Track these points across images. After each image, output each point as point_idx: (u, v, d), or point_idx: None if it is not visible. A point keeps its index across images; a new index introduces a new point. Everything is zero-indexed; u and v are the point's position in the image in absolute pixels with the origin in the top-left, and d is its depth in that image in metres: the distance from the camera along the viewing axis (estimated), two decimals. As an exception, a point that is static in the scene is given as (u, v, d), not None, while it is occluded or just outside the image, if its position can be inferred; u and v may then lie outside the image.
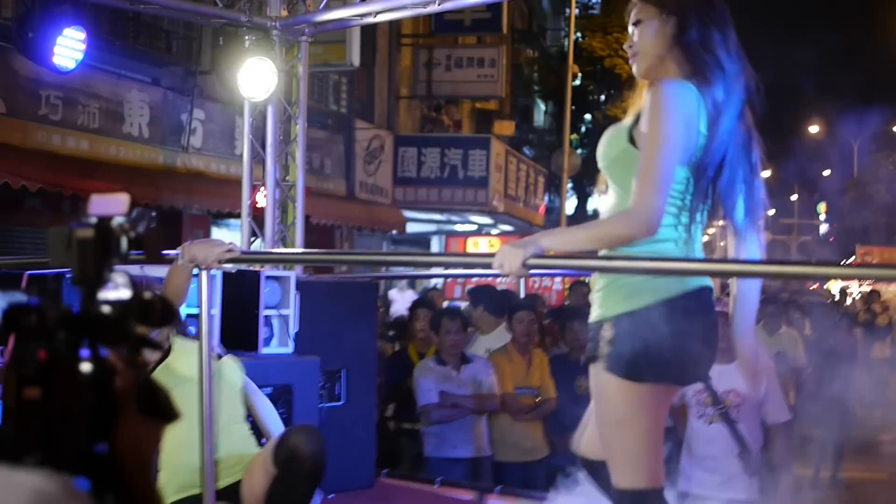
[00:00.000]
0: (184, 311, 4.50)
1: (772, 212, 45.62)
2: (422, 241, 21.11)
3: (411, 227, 18.30)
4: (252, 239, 7.27)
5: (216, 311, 5.02)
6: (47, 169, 9.93)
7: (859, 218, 34.82)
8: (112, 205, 1.35)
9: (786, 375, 8.19)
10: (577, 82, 23.54)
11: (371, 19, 6.82)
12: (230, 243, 3.71)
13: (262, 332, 5.16)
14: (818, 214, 45.22)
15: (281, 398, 5.01)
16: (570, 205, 24.87)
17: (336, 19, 6.95)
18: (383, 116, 17.96)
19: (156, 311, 1.28)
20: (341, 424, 5.47)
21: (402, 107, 18.85)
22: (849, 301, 18.69)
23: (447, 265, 7.05)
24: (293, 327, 5.31)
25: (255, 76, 6.80)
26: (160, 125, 11.88)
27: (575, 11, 22.15)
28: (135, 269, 3.89)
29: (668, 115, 2.85)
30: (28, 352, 1.19)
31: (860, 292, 18.82)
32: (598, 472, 3.17)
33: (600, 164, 3.08)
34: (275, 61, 6.87)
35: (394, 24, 17.53)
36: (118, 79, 11.26)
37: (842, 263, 6.29)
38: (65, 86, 10.15)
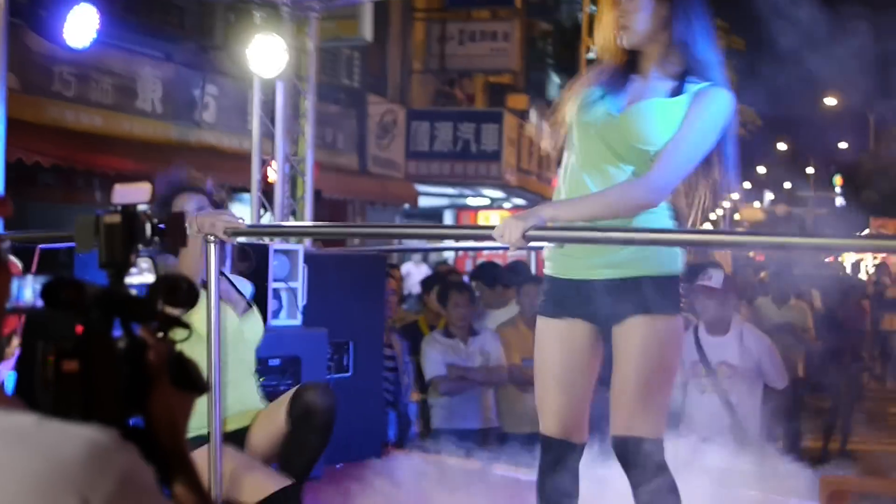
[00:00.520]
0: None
1: (787, 185, 45.40)
2: (434, 215, 21.14)
3: (424, 202, 18.33)
4: (262, 213, 7.34)
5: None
6: (61, 145, 10.00)
7: (875, 191, 34.67)
8: (135, 194, 1.42)
9: (794, 347, 8.24)
10: (592, 55, 23.45)
11: (378, -6, 6.85)
12: (238, 218, 3.78)
13: (271, 304, 5.22)
14: (834, 187, 44.98)
15: (289, 369, 5.09)
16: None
17: (344, -5, 6.98)
18: (396, 91, 17.97)
19: (181, 292, 1.35)
20: (349, 395, 5.54)
21: (415, 81, 18.84)
22: (862, 274, 18.68)
23: (448, 238, 7.10)
24: (301, 300, 5.38)
25: (265, 52, 6.84)
26: (173, 101, 11.92)
27: (589, -16, 22.05)
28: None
29: (714, 122, 3.12)
30: (66, 326, 1.26)
31: (874, 265, 18.80)
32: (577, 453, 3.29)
33: (643, 142, 3.12)
34: (284, 37, 6.90)
35: (407, -1, 17.52)
36: (131, 55, 11.30)
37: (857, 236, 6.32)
38: (78, 62, 10.19)
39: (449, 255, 16.26)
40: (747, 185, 44.16)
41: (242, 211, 8.43)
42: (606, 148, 3.16)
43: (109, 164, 10.44)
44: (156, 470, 1.21)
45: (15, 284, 1.33)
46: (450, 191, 19.49)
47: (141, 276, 1.40)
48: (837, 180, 44.12)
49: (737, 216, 41.58)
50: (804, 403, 8.34)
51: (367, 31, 11.43)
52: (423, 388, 6.67)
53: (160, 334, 1.33)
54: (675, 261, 3.23)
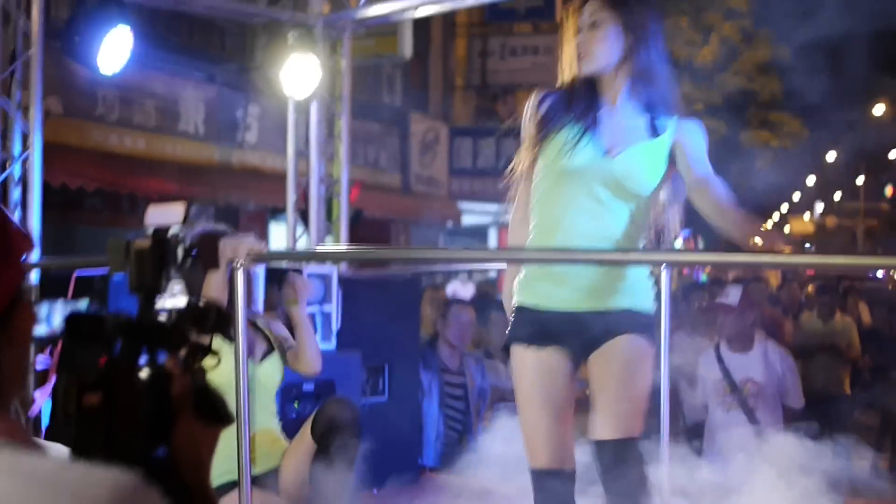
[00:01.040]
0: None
1: (837, 195, 44.81)
2: (479, 232, 21.11)
3: (467, 219, 18.30)
4: (298, 234, 7.35)
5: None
6: (104, 168, 10.11)
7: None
8: (169, 214, 1.42)
9: (838, 363, 8.10)
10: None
11: (411, 14, 6.84)
12: (261, 242, 3.76)
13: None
14: (885, 197, 44.32)
15: (323, 394, 5.07)
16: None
17: (378, 15, 6.98)
18: (438, 107, 17.99)
19: (210, 318, 1.33)
20: (384, 419, 5.53)
21: (457, 97, 18.85)
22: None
23: (479, 260, 7.03)
24: (335, 323, 5.37)
25: (298, 72, 6.84)
26: (216, 122, 12.03)
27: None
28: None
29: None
30: (89, 358, 1.25)
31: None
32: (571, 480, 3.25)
33: (639, 186, 3.19)
34: (319, 57, 6.91)
35: (447, 14, 17.53)
36: (173, 77, 11.41)
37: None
38: (121, 85, 10.29)
39: (493, 274, 16.19)
40: (797, 196, 43.70)
41: (281, 232, 8.44)
42: (601, 188, 3.18)
43: (153, 186, 10.53)
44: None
45: (45, 309, 1.34)
46: (493, 208, 19.46)
47: (174, 299, 1.39)
48: (888, 190, 43.47)
49: (787, 229, 41.14)
50: (852, 421, 8.19)
51: (407, 48, 11.41)
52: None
53: (189, 362, 1.31)
54: (650, 299, 3.31)
